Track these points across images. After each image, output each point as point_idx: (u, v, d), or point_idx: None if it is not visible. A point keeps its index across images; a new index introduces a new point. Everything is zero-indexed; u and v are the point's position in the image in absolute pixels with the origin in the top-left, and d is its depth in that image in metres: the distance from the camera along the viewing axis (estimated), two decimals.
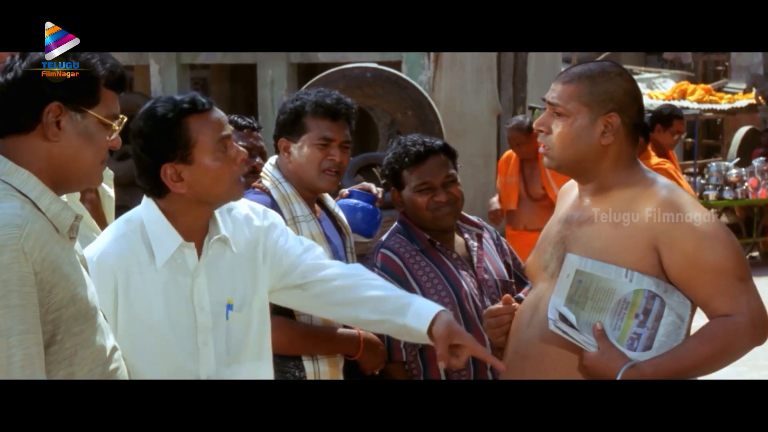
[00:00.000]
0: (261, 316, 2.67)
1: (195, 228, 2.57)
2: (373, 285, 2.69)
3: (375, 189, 3.41)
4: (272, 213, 2.76)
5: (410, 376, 3.28)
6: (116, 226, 2.61)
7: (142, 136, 2.51)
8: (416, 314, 2.59)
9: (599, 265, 2.59)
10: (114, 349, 2.11)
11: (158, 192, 2.54)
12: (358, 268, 2.79)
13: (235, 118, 3.66)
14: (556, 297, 2.61)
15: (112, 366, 2.09)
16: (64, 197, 2.09)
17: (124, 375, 2.13)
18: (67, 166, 2.04)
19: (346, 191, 3.40)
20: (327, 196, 3.36)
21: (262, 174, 3.26)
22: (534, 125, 2.76)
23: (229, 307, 2.60)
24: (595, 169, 2.70)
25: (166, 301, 2.51)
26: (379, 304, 2.65)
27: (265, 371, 2.67)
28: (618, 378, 2.50)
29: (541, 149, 2.74)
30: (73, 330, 1.99)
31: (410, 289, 3.23)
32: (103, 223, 3.20)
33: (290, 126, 3.19)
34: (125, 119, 2.12)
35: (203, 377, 2.52)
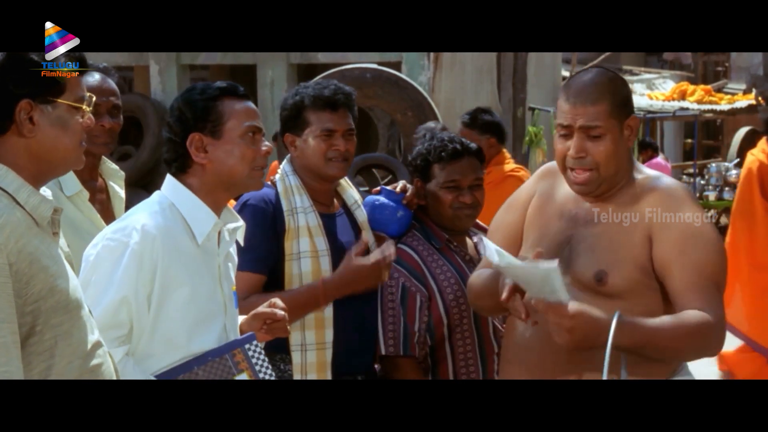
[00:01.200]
0: None
1: (215, 211, 2.58)
2: None
3: (399, 187, 3.42)
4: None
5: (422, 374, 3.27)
6: (147, 204, 2.57)
7: (177, 108, 2.57)
8: None
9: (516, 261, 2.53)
10: (97, 345, 2.12)
11: (181, 163, 2.56)
12: None
13: None
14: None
15: (94, 361, 2.09)
16: (48, 193, 2.12)
17: (108, 371, 2.14)
18: (48, 156, 2.07)
19: (378, 188, 3.43)
20: (348, 192, 3.39)
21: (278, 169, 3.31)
22: (572, 155, 2.69)
23: (234, 294, 2.65)
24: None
25: (203, 281, 2.53)
26: None
27: None
28: (614, 321, 2.43)
29: (583, 175, 2.69)
30: (52, 321, 2.00)
31: (427, 286, 3.26)
32: None
33: (293, 121, 3.24)
34: (93, 98, 2.16)
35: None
